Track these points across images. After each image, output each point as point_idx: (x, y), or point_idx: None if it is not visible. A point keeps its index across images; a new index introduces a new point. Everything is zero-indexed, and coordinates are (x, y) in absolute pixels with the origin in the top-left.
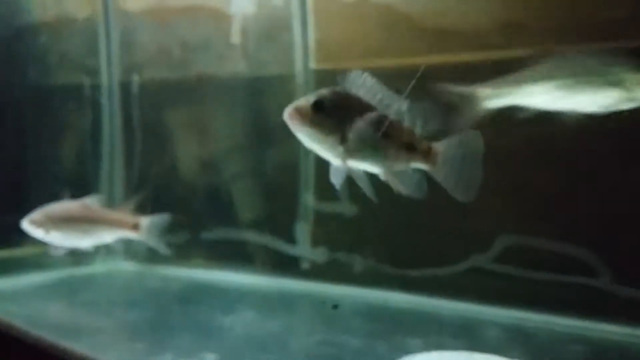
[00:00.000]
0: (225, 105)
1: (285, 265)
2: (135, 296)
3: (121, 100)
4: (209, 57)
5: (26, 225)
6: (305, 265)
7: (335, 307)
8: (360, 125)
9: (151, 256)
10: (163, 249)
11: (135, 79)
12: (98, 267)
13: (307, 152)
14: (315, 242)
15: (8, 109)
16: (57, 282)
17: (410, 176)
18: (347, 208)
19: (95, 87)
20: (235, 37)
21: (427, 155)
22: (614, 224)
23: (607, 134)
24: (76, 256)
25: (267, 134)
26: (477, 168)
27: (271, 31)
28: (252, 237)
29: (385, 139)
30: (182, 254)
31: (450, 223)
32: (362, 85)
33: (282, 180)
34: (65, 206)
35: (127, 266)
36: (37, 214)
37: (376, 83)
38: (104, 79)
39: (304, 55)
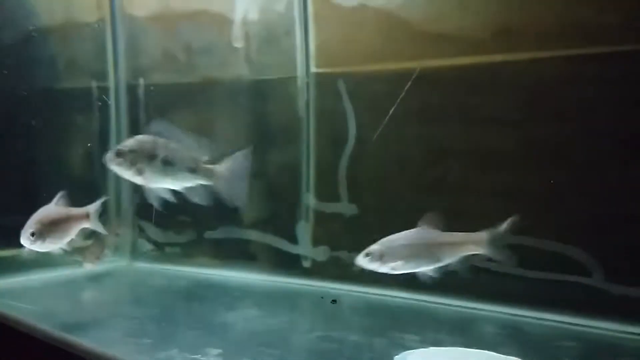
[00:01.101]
0: (229, 108)
1: (287, 263)
2: (141, 293)
3: (128, 103)
4: (213, 61)
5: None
6: (306, 264)
7: (334, 301)
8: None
9: (157, 255)
10: (102, 230)
11: (141, 82)
12: (105, 266)
13: (309, 154)
14: (316, 241)
15: (17, 112)
16: (65, 280)
17: (198, 189)
18: (346, 208)
19: (103, 91)
20: (239, 42)
21: (208, 174)
22: (607, 223)
23: (600, 135)
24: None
25: (270, 136)
26: (244, 180)
27: (273, 36)
28: (254, 236)
29: (170, 166)
30: (187, 252)
31: (447, 222)
32: (164, 130)
33: (283, 181)
34: (48, 211)
35: (133, 264)
36: (33, 224)
37: (173, 128)
38: (111, 82)
39: (305, 60)
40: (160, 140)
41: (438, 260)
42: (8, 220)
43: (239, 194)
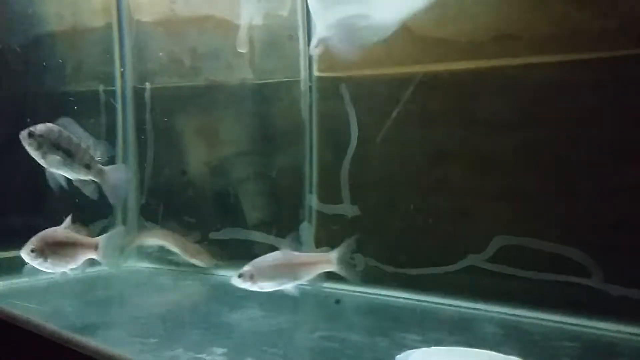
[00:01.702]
0: (233, 111)
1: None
2: (147, 294)
3: (134, 107)
4: (218, 65)
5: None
6: None
7: (337, 301)
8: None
9: (162, 256)
10: (116, 266)
11: (148, 86)
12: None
13: (311, 156)
14: (319, 242)
15: (26, 115)
16: (72, 281)
17: (88, 183)
18: (349, 210)
19: (110, 94)
20: (243, 46)
21: (100, 172)
22: (606, 224)
23: (599, 137)
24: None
25: (273, 139)
26: (124, 184)
27: (277, 40)
28: (258, 237)
29: (69, 158)
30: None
31: (448, 224)
32: (69, 126)
33: (287, 183)
34: (55, 232)
35: (139, 265)
36: (36, 240)
37: (78, 127)
38: (117, 86)
39: (307, 64)
40: (66, 134)
41: (298, 278)
42: (16, 222)
43: (118, 195)
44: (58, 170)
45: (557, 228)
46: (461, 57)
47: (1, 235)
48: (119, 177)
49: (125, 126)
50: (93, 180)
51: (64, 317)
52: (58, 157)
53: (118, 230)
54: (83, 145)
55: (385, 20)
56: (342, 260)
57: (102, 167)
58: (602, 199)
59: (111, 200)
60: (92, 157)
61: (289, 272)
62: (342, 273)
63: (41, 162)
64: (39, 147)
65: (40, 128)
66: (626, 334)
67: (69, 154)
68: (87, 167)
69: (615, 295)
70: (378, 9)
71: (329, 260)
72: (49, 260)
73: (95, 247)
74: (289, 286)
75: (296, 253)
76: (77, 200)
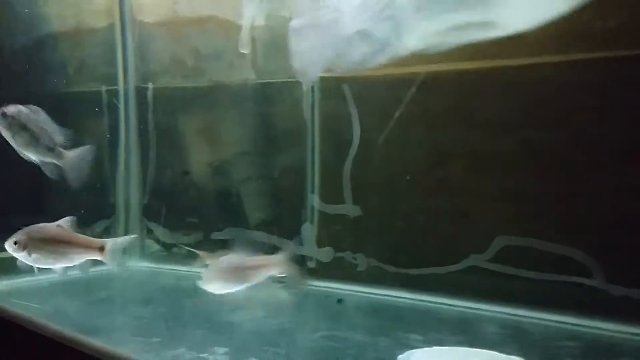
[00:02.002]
0: (236, 111)
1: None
2: (150, 294)
3: (137, 107)
4: (220, 66)
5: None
6: (311, 264)
7: (339, 301)
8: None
9: (165, 255)
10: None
11: (150, 86)
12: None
13: (314, 157)
14: (321, 242)
15: None
16: (75, 280)
17: (50, 165)
18: (350, 210)
19: (112, 94)
20: (245, 47)
21: (61, 155)
22: (607, 224)
23: (601, 137)
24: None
25: (275, 139)
26: (85, 168)
27: (279, 41)
28: (260, 237)
29: (35, 140)
30: (194, 253)
31: (449, 225)
32: (34, 111)
33: (289, 183)
34: (44, 228)
35: (141, 265)
36: (20, 233)
37: (43, 112)
38: (120, 86)
39: None
40: (34, 117)
41: (249, 280)
42: (18, 222)
43: (78, 177)
44: (24, 151)
45: (558, 228)
46: (462, 58)
47: (1, 235)
48: (80, 160)
49: (127, 126)
50: (55, 163)
51: (66, 316)
52: (25, 140)
53: (131, 237)
54: (48, 130)
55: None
56: (284, 264)
57: (64, 150)
58: (603, 198)
59: (71, 182)
60: (54, 141)
61: (242, 274)
62: (290, 275)
63: (11, 141)
64: (9, 127)
65: (11, 109)
66: (628, 334)
67: (35, 136)
68: (51, 149)
69: (616, 295)
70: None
71: (277, 263)
72: (33, 255)
73: (100, 249)
74: (241, 287)
75: (246, 256)
76: (79, 200)
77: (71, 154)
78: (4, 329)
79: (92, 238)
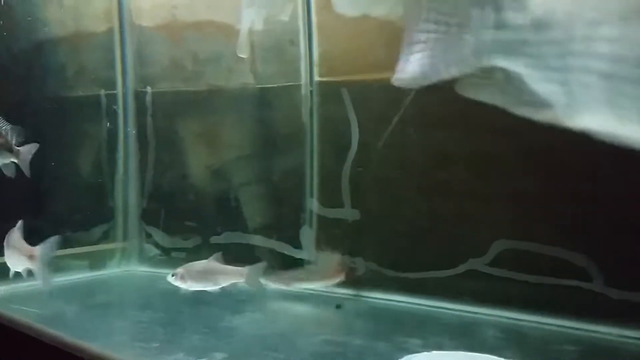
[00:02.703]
0: (234, 115)
1: (291, 268)
2: (148, 298)
3: (135, 111)
4: (219, 70)
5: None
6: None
7: (338, 306)
8: None
9: (164, 260)
10: (47, 282)
11: (149, 90)
12: (112, 271)
13: (312, 160)
14: (320, 246)
15: (28, 119)
16: (73, 285)
17: (10, 166)
18: (349, 214)
19: (111, 99)
20: (244, 51)
21: (17, 154)
22: (607, 228)
23: (600, 140)
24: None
25: (274, 143)
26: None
27: (278, 45)
28: (259, 241)
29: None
30: (193, 257)
31: (448, 228)
32: None
33: (287, 187)
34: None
35: (140, 270)
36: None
37: None
38: (119, 90)
39: (309, 68)
40: None
41: (218, 284)
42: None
43: (29, 170)
44: None
45: (557, 231)
46: None
47: (1, 239)
48: (29, 155)
49: (126, 130)
50: (14, 162)
51: (64, 321)
52: None
53: (55, 239)
54: (4, 132)
55: None
56: (250, 277)
57: (19, 148)
58: (603, 202)
59: (27, 173)
60: (10, 141)
61: (212, 278)
62: (250, 286)
63: None
64: None
65: None
66: (627, 337)
67: None
68: (9, 150)
69: (616, 298)
70: None
71: (241, 274)
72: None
73: (30, 257)
74: (212, 289)
75: (218, 264)
76: (78, 204)
77: (24, 150)
78: (3, 334)
79: (28, 246)
